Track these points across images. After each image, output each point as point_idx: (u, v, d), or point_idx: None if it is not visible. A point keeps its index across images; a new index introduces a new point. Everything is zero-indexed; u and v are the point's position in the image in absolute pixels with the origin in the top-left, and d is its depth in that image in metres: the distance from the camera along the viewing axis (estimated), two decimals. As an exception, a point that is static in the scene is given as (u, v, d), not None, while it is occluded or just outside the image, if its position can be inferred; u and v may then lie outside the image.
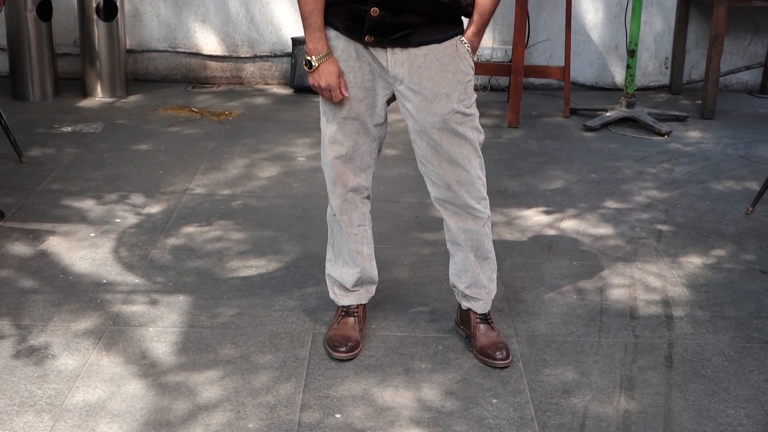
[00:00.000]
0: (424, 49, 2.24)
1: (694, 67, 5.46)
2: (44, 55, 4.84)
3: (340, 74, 2.27)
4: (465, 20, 2.29)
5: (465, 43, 2.29)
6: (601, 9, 5.35)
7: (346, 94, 2.29)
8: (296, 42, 5.11)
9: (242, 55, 5.31)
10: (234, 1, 5.21)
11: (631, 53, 4.70)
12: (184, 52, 5.30)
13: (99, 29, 4.88)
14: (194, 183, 3.67)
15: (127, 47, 5.14)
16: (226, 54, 5.31)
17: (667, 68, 5.48)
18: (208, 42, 5.28)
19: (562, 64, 4.94)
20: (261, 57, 5.31)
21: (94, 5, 4.83)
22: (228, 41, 5.28)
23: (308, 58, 2.26)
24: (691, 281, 2.86)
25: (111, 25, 4.90)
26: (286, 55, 5.30)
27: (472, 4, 2.28)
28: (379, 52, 2.26)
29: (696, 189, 3.76)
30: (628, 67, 4.73)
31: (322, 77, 2.27)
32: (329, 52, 2.27)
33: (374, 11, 2.20)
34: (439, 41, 2.26)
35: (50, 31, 4.86)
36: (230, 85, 5.33)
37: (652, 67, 5.48)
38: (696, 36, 5.42)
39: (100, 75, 4.95)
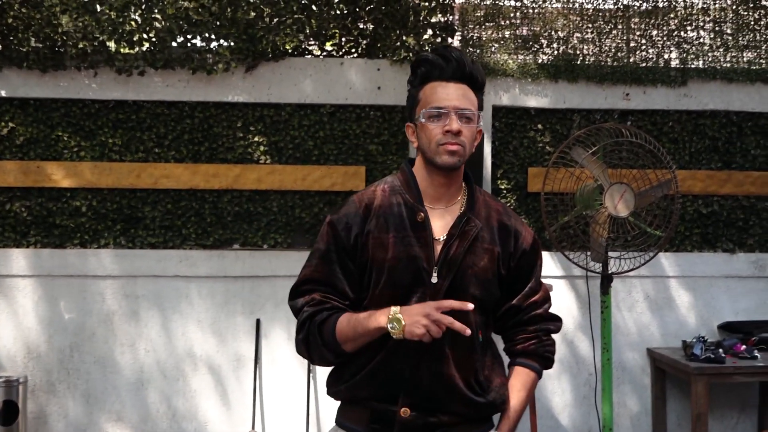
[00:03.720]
0: None
1: (681, 452, 5.27)
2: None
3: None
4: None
5: None
6: (567, 390, 5.25)
7: (470, 306, 2.18)
8: (224, 441, 4.83)
9: (162, 458, 5.01)
10: (153, 396, 5.01)
11: (607, 440, 4.51)
12: (93, 458, 4.98)
13: (-5, 435, 4.65)
14: None
15: (26, 455, 4.81)
16: (143, 457, 5.00)
17: (650, 455, 5.26)
18: (123, 444, 5.01)
19: (530, 455, 4.73)
20: (183, 459, 5.02)
21: (-7, 406, 4.62)
22: (146, 442, 5.01)
23: (392, 319, 2.17)
24: None
25: (10, 429, 4.68)
26: (213, 455, 4.98)
27: (507, 401, 2.37)
28: None
29: None
30: (606, 456, 4.49)
31: (415, 315, 2.15)
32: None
33: (404, 412, 2.24)
34: None
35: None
36: (146, 495, 4.95)
37: (634, 454, 5.28)
38: (677, 416, 5.28)
39: (-13, 492, 4.58)
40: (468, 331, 2.16)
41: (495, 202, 2.43)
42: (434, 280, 2.26)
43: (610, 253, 4.58)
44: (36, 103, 4.98)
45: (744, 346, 4.92)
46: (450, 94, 2.29)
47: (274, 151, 5.08)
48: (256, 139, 5.08)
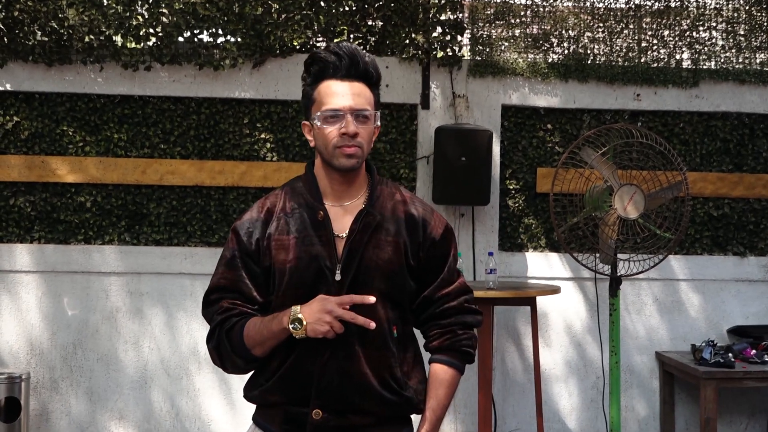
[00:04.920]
0: None
1: (689, 458, 5.31)
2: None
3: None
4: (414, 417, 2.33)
5: None
6: (575, 393, 5.28)
7: (371, 299, 2.22)
8: (227, 440, 4.87)
9: (165, 458, 5.07)
10: (157, 394, 5.04)
11: (615, 444, 4.53)
12: (95, 456, 5.05)
13: (-3, 431, 4.69)
14: None
15: (28, 452, 4.86)
16: (146, 456, 5.06)
17: (657, 459, 5.31)
18: (126, 442, 5.07)
19: (537, 457, 4.77)
20: (186, 459, 5.08)
21: (-6, 404, 4.69)
22: (149, 440, 5.07)
23: (293, 319, 2.18)
24: None
25: (13, 426, 4.70)
26: (216, 455, 5.02)
27: (425, 401, 2.33)
28: None
29: None
30: (613, 460, 4.51)
31: (317, 312, 2.18)
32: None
33: (316, 414, 2.22)
34: None
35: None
36: (148, 495, 5.00)
37: (641, 458, 5.34)
38: (685, 421, 5.30)
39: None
40: (372, 325, 2.17)
41: (402, 192, 2.40)
42: (338, 277, 2.25)
43: (620, 255, 4.57)
44: (41, 97, 5.02)
45: (754, 351, 4.94)
46: (345, 94, 2.26)
47: (281, 148, 5.12)
48: (262, 135, 5.11)
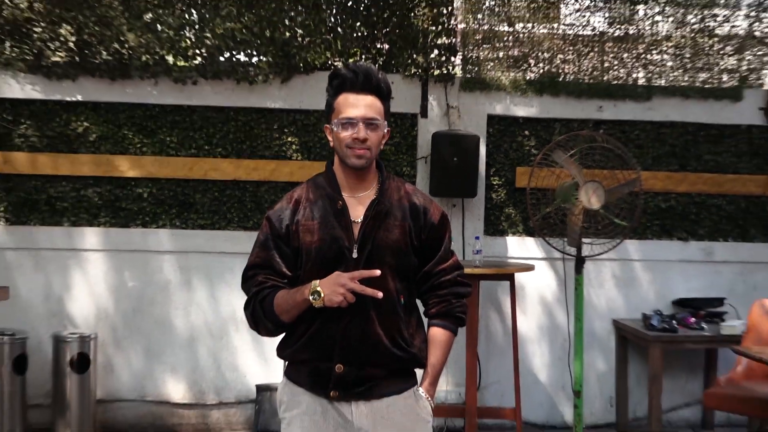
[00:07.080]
0: (386, 400, 2.44)
1: (638, 405, 5.60)
2: (15, 409, 4.97)
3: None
4: (418, 372, 2.53)
5: (422, 392, 2.50)
6: (546, 352, 5.57)
7: (377, 272, 2.34)
8: (260, 389, 5.24)
9: (208, 402, 5.40)
10: (203, 350, 5.39)
11: (577, 394, 4.67)
12: (152, 401, 5.39)
13: (71, 381, 4.97)
14: None
15: (98, 397, 5.24)
16: (193, 401, 5.40)
17: (612, 406, 5.61)
18: (176, 390, 5.39)
19: (514, 405, 5.08)
20: (226, 404, 5.41)
21: (68, 358, 4.96)
22: (195, 389, 5.41)
23: (312, 291, 2.31)
24: None
25: (84, 377, 4.98)
26: (251, 401, 5.40)
27: (426, 357, 2.52)
28: (343, 406, 2.44)
29: None
30: (576, 407, 4.68)
31: (332, 285, 2.30)
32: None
33: (339, 368, 2.39)
34: (399, 392, 2.48)
35: (24, 384, 5.01)
36: (196, 432, 5.32)
37: (599, 405, 5.61)
38: (637, 376, 5.58)
39: (69, 425, 5.02)
40: (379, 294, 2.30)
41: (406, 186, 2.54)
42: (355, 255, 2.39)
43: (584, 240, 4.66)
44: (106, 107, 5.30)
45: (694, 319, 5.22)
46: (359, 105, 2.39)
47: (305, 150, 5.39)
48: (289, 139, 5.38)
